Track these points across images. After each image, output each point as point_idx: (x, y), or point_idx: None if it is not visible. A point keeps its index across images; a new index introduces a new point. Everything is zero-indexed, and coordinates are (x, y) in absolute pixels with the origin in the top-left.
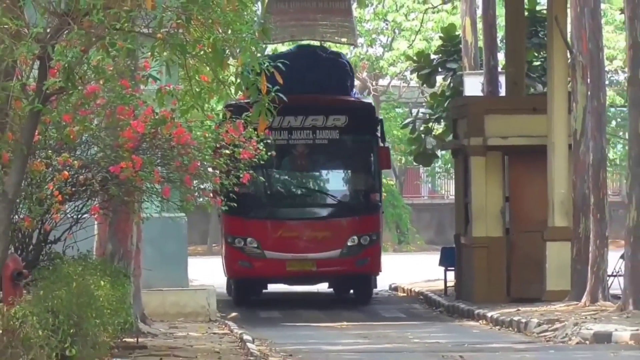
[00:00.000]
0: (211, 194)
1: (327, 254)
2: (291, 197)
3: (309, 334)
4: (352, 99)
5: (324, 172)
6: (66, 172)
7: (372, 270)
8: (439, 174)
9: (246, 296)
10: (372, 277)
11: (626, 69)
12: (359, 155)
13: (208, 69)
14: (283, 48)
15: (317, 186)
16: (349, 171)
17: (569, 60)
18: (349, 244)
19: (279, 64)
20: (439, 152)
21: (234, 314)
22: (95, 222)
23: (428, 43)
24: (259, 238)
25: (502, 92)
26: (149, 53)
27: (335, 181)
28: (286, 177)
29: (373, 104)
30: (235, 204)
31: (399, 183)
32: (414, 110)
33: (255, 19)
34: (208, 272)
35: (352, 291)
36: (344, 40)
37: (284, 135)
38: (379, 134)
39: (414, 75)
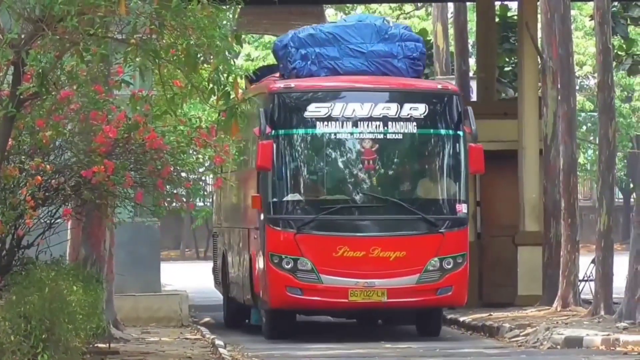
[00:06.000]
0: (183, 199)
1: (401, 281)
2: (355, 207)
3: (281, 338)
4: (433, 82)
5: (397, 175)
6: (39, 177)
7: (456, 302)
8: None
9: (284, 328)
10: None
11: (596, 74)
12: (442, 155)
13: (181, 74)
14: (258, 53)
15: (388, 193)
16: (429, 175)
17: (540, 66)
18: (429, 267)
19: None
20: None
21: (206, 319)
22: (68, 227)
23: None
24: (314, 258)
25: (474, 97)
26: (122, 58)
27: (412, 187)
28: (349, 181)
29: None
30: (281, 214)
31: None
32: None
33: (227, 22)
34: (181, 277)
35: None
36: None
37: (347, 127)
38: (469, 128)
39: None
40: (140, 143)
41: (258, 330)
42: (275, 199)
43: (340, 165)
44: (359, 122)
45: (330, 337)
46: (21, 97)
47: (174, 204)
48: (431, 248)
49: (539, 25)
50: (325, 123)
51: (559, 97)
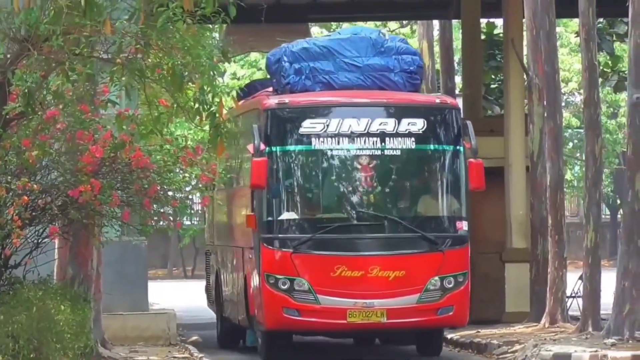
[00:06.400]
0: (170, 218)
1: (401, 301)
2: (353, 225)
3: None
4: (432, 97)
5: (395, 192)
6: (26, 197)
7: (458, 322)
8: None
9: (281, 350)
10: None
11: (582, 91)
12: (442, 171)
13: (167, 93)
14: (243, 72)
15: (387, 211)
16: (429, 192)
17: (525, 83)
18: (429, 287)
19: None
20: None
21: (194, 338)
22: (56, 247)
23: None
24: (311, 279)
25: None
26: (108, 78)
27: (411, 205)
28: (346, 199)
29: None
30: (277, 234)
31: None
32: None
33: (214, 41)
34: (168, 295)
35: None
36: None
37: (343, 144)
38: (468, 143)
39: None
40: (126, 162)
41: (253, 350)
42: (270, 218)
43: (337, 182)
44: (355, 138)
45: (324, 357)
46: (7, 117)
47: (160, 223)
48: (431, 267)
49: (525, 42)
50: (321, 139)
51: (545, 114)
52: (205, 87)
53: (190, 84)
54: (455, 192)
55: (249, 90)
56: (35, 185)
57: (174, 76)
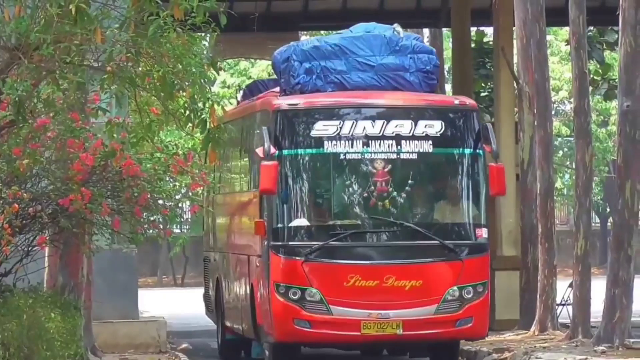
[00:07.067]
0: (160, 226)
1: (417, 312)
2: (367, 232)
3: None
4: (450, 97)
5: (412, 198)
6: (16, 205)
7: (477, 334)
8: None
9: None
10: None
11: (572, 99)
12: (460, 176)
13: (158, 101)
14: (233, 80)
15: (403, 217)
16: (447, 197)
17: (516, 91)
18: (447, 297)
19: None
20: None
21: (184, 345)
22: (46, 255)
23: None
24: (323, 288)
25: None
26: (99, 86)
27: (428, 211)
28: (360, 205)
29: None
30: (287, 241)
31: None
32: None
33: (205, 51)
34: (158, 303)
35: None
36: None
37: (357, 147)
38: (489, 147)
39: None
40: (117, 170)
41: None
42: (280, 225)
43: (351, 187)
44: (370, 141)
45: None
46: None
47: (151, 231)
48: (450, 276)
49: (515, 50)
50: (334, 142)
51: (536, 123)
52: (195, 96)
53: (181, 91)
54: (474, 197)
55: (252, 90)
56: (25, 194)
57: (165, 84)
